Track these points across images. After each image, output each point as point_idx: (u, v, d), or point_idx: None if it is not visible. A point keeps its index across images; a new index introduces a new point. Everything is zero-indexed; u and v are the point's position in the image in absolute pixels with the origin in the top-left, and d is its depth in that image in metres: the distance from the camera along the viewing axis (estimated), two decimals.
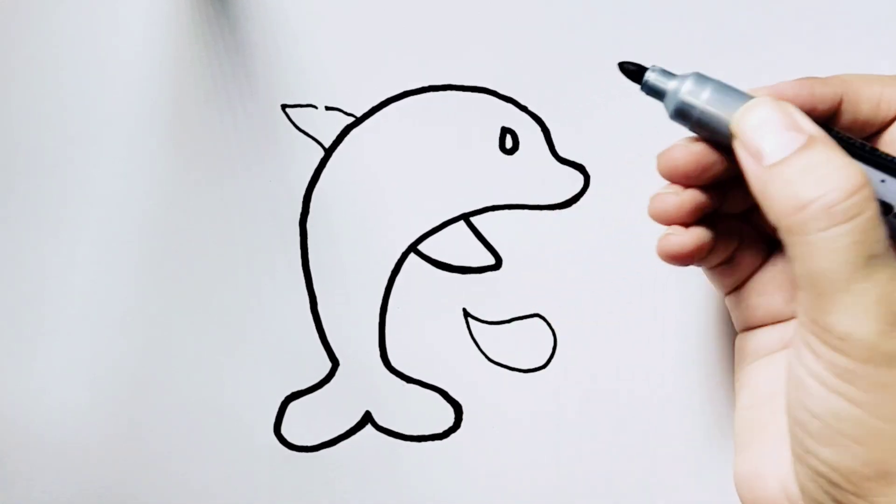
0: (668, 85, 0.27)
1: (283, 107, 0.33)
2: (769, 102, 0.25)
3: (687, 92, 0.26)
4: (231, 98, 0.33)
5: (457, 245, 0.34)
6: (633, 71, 0.27)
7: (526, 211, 0.34)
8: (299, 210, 0.34)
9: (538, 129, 0.34)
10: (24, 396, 0.34)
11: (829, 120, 0.27)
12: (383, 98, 0.33)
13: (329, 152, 0.34)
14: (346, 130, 0.34)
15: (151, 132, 0.33)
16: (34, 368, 0.34)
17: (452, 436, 0.35)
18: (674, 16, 0.33)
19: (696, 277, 0.34)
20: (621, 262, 0.34)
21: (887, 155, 0.25)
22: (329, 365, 0.34)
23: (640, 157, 0.34)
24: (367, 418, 0.34)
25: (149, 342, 0.34)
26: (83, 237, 0.34)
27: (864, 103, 0.26)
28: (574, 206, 0.34)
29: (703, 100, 0.26)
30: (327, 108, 0.33)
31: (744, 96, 0.26)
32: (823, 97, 0.26)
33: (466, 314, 0.34)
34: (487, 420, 0.35)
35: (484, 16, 0.33)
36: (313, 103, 0.33)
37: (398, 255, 0.34)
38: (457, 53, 0.33)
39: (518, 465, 0.35)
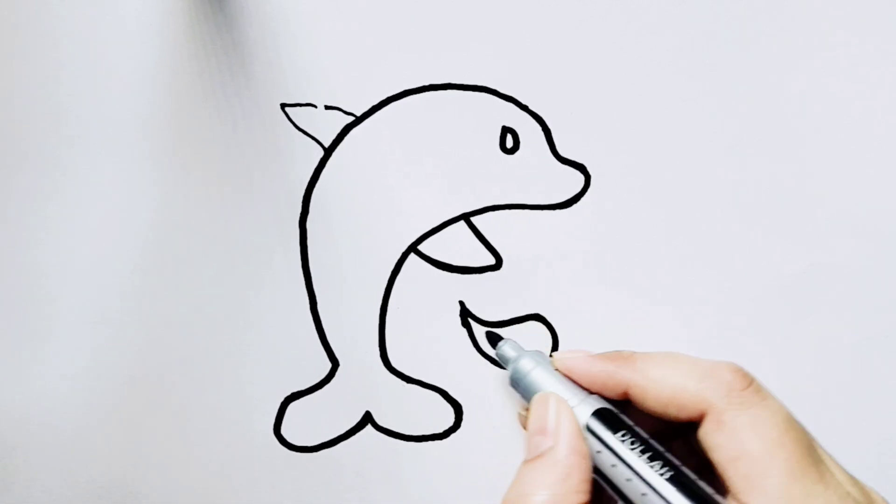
0: (510, 357, 0.31)
1: (283, 106, 0.33)
2: (544, 401, 0.27)
3: (513, 371, 0.30)
4: (230, 97, 0.33)
5: (457, 245, 0.34)
6: (491, 339, 0.33)
7: (526, 211, 0.34)
8: (299, 210, 0.33)
9: (539, 128, 0.34)
10: (25, 396, 0.34)
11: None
12: (383, 97, 0.33)
13: (329, 152, 0.33)
14: (346, 130, 0.33)
15: (150, 132, 0.33)
16: (35, 368, 0.34)
17: (452, 436, 0.34)
18: (675, 15, 0.33)
19: (696, 278, 0.34)
20: (622, 262, 0.34)
21: (668, 464, 0.25)
22: (329, 365, 0.34)
23: (642, 156, 0.34)
24: (367, 418, 0.34)
25: (149, 342, 0.34)
26: (83, 237, 0.34)
27: (651, 402, 0.26)
28: (575, 205, 0.34)
29: (522, 384, 0.29)
30: (327, 108, 0.33)
31: (567, 389, 0.28)
32: (608, 386, 0.27)
33: (466, 314, 0.34)
34: (487, 420, 0.34)
35: (484, 15, 0.33)
36: (313, 103, 0.33)
37: (398, 255, 0.34)
38: (457, 52, 0.33)
39: (517, 465, 0.35)
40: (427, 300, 0.34)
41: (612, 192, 0.34)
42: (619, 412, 0.27)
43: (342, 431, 0.34)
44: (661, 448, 0.26)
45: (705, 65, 0.33)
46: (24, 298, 0.34)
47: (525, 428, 0.29)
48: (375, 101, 0.33)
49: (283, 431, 0.34)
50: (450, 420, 0.34)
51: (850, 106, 0.33)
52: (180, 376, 0.34)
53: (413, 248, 0.34)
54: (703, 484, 0.25)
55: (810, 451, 0.24)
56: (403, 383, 0.34)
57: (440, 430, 0.34)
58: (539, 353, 0.30)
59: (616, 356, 0.28)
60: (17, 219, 0.34)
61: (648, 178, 0.34)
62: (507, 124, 0.34)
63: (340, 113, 0.33)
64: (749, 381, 0.25)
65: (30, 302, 0.34)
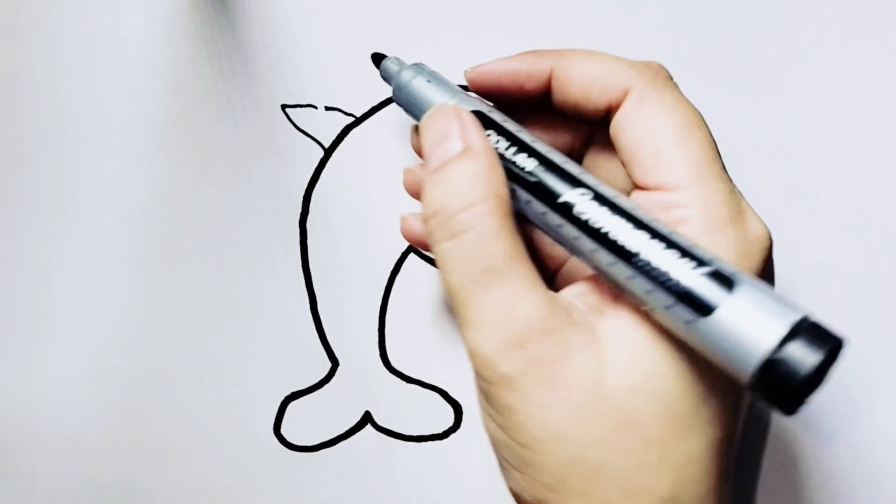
0: (392, 71, 0.28)
1: (283, 107, 0.33)
2: (441, 111, 0.24)
3: (402, 80, 0.27)
4: (231, 98, 0.33)
5: None
6: (375, 59, 0.30)
7: None
8: (299, 210, 0.34)
9: None
10: (26, 394, 0.34)
11: (545, 97, 0.26)
12: (383, 98, 0.33)
13: (329, 152, 0.34)
14: (346, 130, 0.34)
15: (151, 132, 0.33)
16: (36, 367, 0.34)
17: (452, 436, 0.34)
18: (674, 15, 0.33)
19: None
20: None
21: (553, 166, 0.23)
22: (329, 365, 0.34)
23: None
24: (367, 418, 0.34)
25: (149, 342, 0.34)
26: (83, 236, 0.34)
27: (574, 85, 0.25)
28: None
29: (411, 90, 0.27)
30: (327, 108, 0.33)
31: (445, 94, 0.26)
32: (531, 74, 0.25)
33: None
34: None
35: (483, 15, 0.33)
36: (313, 103, 0.33)
37: (398, 255, 0.34)
38: (457, 53, 0.33)
39: None
40: (427, 300, 0.34)
41: None
42: (492, 110, 0.25)
43: (342, 431, 0.34)
44: (529, 139, 0.24)
45: (705, 64, 0.33)
46: (24, 298, 0.34)
47: (419, 149, 0.26)
48: (375, 102, 0.34)
49: (283, 431, 0.34)
50: (450, 420, 0.34)
51: (851, 105, 0.33)
52: (180, 376, 0.34)
53: (413, 248, 0.34)
54: (572, 165, 0.23)
55: (715, 148, 0.24)
56: (403, 383, 0.34)
57: (440, 431, 0.34)
58: (422, 66, 0.28)
59: (537, 50, 0.26)
60: (17, 219, 0.34)
61: None
62: None
63: (341, 113, 0.33)
64: (670, 75, 0.25)
65: (30, 302, 0.34)
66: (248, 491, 0.35)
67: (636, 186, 0.24)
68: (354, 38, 0.33)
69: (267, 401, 0.34)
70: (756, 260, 0.22)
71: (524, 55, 0.26)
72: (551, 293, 0.22)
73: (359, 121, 0.34)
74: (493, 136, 0.24)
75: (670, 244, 0.21)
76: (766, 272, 0.23)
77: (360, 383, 0.34)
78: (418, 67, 0.28)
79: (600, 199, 0.22)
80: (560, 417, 0.20)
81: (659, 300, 0.20)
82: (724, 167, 0.24)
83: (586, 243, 0.22)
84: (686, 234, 0.22)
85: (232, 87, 0.33)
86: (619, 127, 0.24)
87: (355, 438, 0.34)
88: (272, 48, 0.33)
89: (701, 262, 0.20)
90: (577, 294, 0.23)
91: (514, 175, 0.23)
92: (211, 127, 0.33)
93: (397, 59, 0.29)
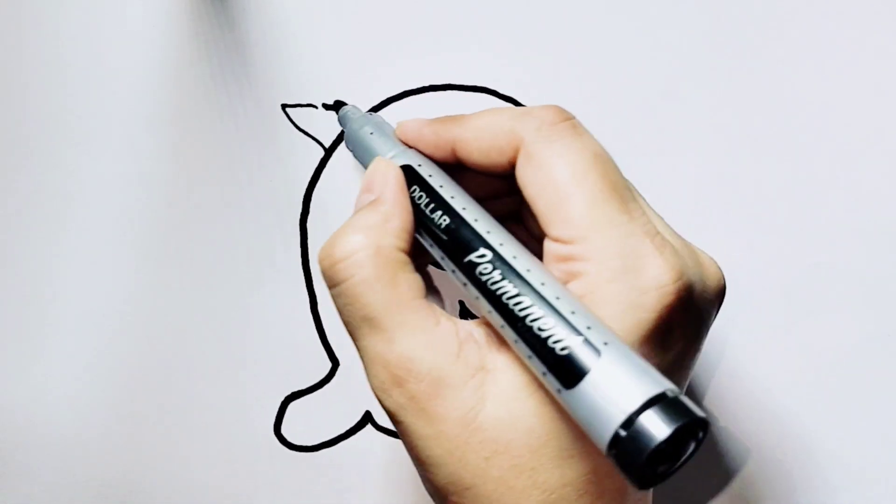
0: (344, 121, 0.31)
1: (284, 106, 0.33)
2: (374, 164, 0.26)
3: (350, 129, 0.29)
4: (231, 98, 0.33)
5: None
6: (335, 105, 0.33)
7: None
8: (299, 210, 0.34)
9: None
10: (26, 394, 0.34)
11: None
12: (383, 98, 0.33)
13: (329, 152, 0.34)
14: None
15: (151, 132, 0.33)
16: (36, 367, 0.34)
17: None
18: (675, 15, 0.33)
19: None
20: None
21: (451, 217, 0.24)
22: (329, 365, 0.34)
23: (642, 156, 0.34)
24: (367, 418, 0.34)
25: (150, 342, 0.34)
26: (84, 236, 0.34)
27: (475, 154, 0.25)
28: None
29: (358, 139, 0.29)
30: (327, 108, 0.33)
31: (385, 145, 0.28)
32: (438, 147, 0.26)
33: (467, 313, 0.34)
34: None
35: (484, 15, 0.33)
36: (313, 103, 0.33)
37: None
38: (457, 53, 0.33)
39: None
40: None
41: None
42: (423, 165, 0.26)
43: (342, 431, 0.34)
44: (448, 195, 0.25)
45: (705, 65, 0.33)
46: (25, 298, 0.34)
47: None
48: (376, 102, 0.34)
49: (284, 431, 0.34)
50: None
51: (851, 105, 0.33)
52: (181, 375, 0.34)
53: None
54: (485, 223, 0.24)
55: (616, 185, 0.23)
56: None
57: None
58: (371, 117, 0.30)
59: (446, 118, 0.26)
60: (18, 217, 0.34)
61: (649, 178, 0.34)
62: None
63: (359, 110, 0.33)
64: (565, 117, 0.24)
65: (30, 302, 0.34)
66: (248, 490, 0.35)
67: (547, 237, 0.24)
68: (355, 38, 0.33)
69: (267, 400, 0.34)
70: (651, 310, 0.22)
71: (431, 126, 0.27)
72: (442, 329, 0.23)
73: None
74: (417, 192, 0.25)
75: (550, 312, 0.21)
76: (672, 318, 0.22)
77: (361, 383, 0.34)
78: (366, 118, 0.29)
79: (497, 261, 0.23)
80: (435, 446, 0.22)
81: (536, 366, 0.21)
82: (624, 207, 0.23)
83: (484, 304, 0.23)
84: (578, 289, 0.22)
85: (233, 87, 0.33)
86: (520, 184, 0.24)
87: (355, 438, 0.34)
88: (273, 48, 0.33)
89: (573, 332, 0.21)
90: (480, 326, 0.24)
91: (430, 231, 0.25)
92: (211, 127, 0.33)
93: (354, 107, 0.31)
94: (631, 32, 0.33)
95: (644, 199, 0.25)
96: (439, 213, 0.24)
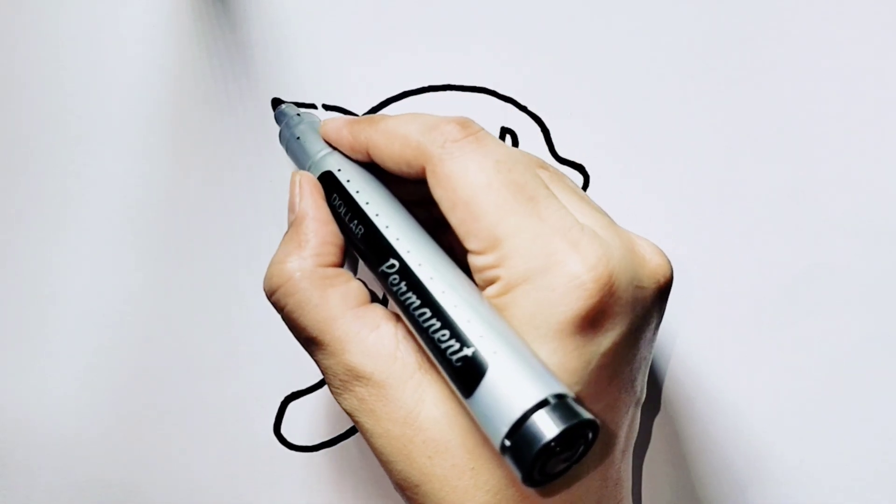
0: (278, 121, 0.31)
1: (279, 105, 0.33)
2: (292, 180, 0.27)
3: (281, 131, 0.30)
4: (231, 98, 0.33)
5: None
6: (273, 103, 0.33)
7: None
8: None
9: (538, 129, 0.34)
10: (25, 394, 0.34)
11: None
12: (383, 98, 0.34)
13: (277, 103, 0.33)
14: None
15: (151, 132, 0.33)
16: (35, 366, 0.34)
17: None
18: (674, 15, 0.33)
19: (696, 279, 0.34)
20: None
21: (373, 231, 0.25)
22: None
23: (641, 157, 0.34)
24: None
25: (149, 342, 0.34)
26: (84, 236, 0.34)
27: (388, 161, 0.26)
28: None
29: (285, 143, 0.30)
30: (327, 108, 0.33)
31: (310, 149, 0.28)
32: (354, 149, 0.27)
33: None
34: None
35: (483, 16, 0.33)
36: (313, 103, 0.33)
37: None
38: (456, 53, 0.33)
39: None
40: None
41: (610, 193, 0.34)
42: (343, 170, 0.27)
43: (342, 431, 0.34)
44: (363, 201, 0.25)
45: (705, 65, 0.33)
46: (25, 298, 0.34)
47: None
48: (375, 103, 0.34)
49: (283, 431, 0.34)
50: None
51: (851, 106, 0.33)
52: (181, 376, 0.34)
53: None
54: (397, 230, 0.24)
55: (524, 188, 0.23)
56: None
57: None
58: (309, 116, 0.30)
59: (364, 118, 0.27)
60: (18, 217, 0.34)
61: (648, 179, 0.34)
62: (506, 125, 0.34)
63: (340, 114, 0.34)
64: (469, 132, 0.24)
65: (30, 302, 0.34)
66: (248, 491, 0.35)
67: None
68: (354, 39, 0.33)
69: (266, 401, 0.34)
70: (565, 305, 0.22)
71: (348, 127, 0.27)
72: (381, 333, 0.24)
73: None
74: (336, 200, 0.26)
75: (446, 322, 0.22)
76: (595, 309, 0.22)
77: None
78: (297, 119, 0.30)
79: (404, 271, 0.24)
80: (385, 445, 0.24)
81: (444, 374, 0.22)
82: (532, 209, 0.23)
83: (399, 312, 0.24)
84: (494, 294, 0.23)
85: (233, 86, 0.33)
86: (432, 192, 0.24)
87: (356, 438, 0.34)
88: (272, 48, 0.33)
89: (465, 342, 0.22)
90: None
91: (351, 240, 0.26)
92: (211, 127, 0.33)
93: (289, 105, 0.32)
94: (631, 33, 0.33)
95: (572, 191, 0.25)
96: (356, 221, 0.25)
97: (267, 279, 0.26)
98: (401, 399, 0.23)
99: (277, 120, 0.31)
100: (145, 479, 0.34)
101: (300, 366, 0.34)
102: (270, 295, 0.26)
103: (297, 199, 0.27)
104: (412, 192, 0.27)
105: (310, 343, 0.25)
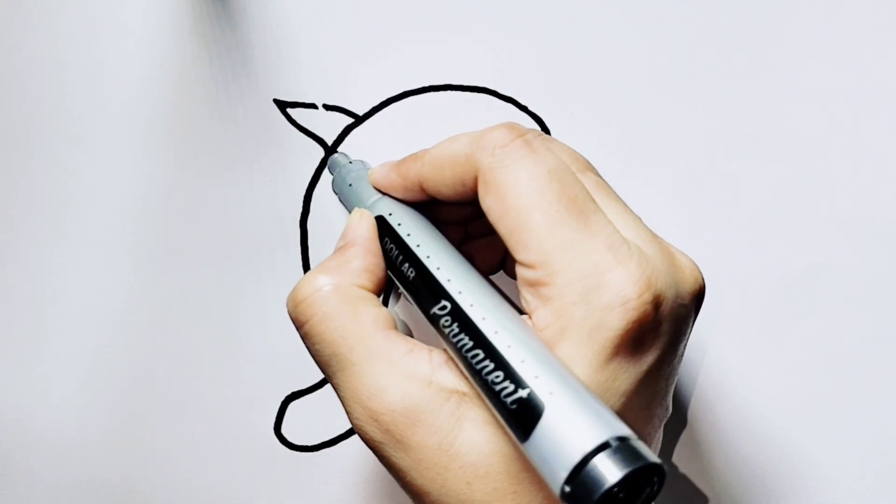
0: (331, 170, 0.32)
1: (283, 106, 0.33)
2: (351, 215, 0.27)
3: (334, 180, 0.31)
4: (232, 98, 0.33)
5: None
6: (326, 152, 0.33)
7: None
8: (300, 210, 0.34)
9: (538, 129, 0.34)
10: (26, 395, 0.34)
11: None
12: (383, 98, 0.33)
13: (330, 152, 0.34)
14: (347, 130, 0.34)
15: (151, 132, 0.33)
16: (35, 367, 0.34)
17: None
18: (674, 15, 0.33)
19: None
20: None
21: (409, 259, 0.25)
22: None
23: (642, 156, 0.34)
24: None
25: (149, 342, 0.34)
26: (84, 236, 0.34)
27: (443, 188, 0.25)
28: None
29: (338, 188, 0.31)
30: (327, 108, 0.33)
31: (362, 195, 0.29)
32: (408, 190, 0.27)
33: None
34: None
35: (483, 15, 0.33)
36: (314, 103, 0.33)
37: None
38: (457, 53, 0.33)
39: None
40: None
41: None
42: (394, 213, 0.27)
43: (343, 430, 0.34)
44: (414, 244, 0.25)
45: (705, 65, 0.33)
46: (25, 298, 0.34)
47: None
48: (376, 103, 0.34)
49: (284, 431, 0.34)
50: None
51: (850, 105, 0.33)
52: (181, 376, 0.34)
53: None
54: (448, 272, 0.24)
55: (575, 199, 0.23)
56: None
57: None
58: (358, 165, 0.31)
59: (409, 157, 0.27)
60: (18, 217, 0.34)
61: (648, 179, 0.34)
62: None
63: (341, 113, 0.33)
64: (517, 134, 0.24)
65: (30, 302, 0.34)
66: (248, 491, 0.35)
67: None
68: (355, 38, 0.33)
69: (266, 401, 0.34)
70: (616, 328, 0.21)
71: (395, 171, 0.27)
72: (414, 356, 0.23)
73: (359, 121, 0.34)
74: (388, 244, 0.26)
75: (500, 363, 0.21)
76: (641, 330, 0.22)
77: None
78: (349, 168, 0.30)
79: (456, 312, 0.23)
80: (417, 476, 0.23)
81: (498, 417, 0.21)
82: (583, 222, 0.22)
83: (451, 354, 0.23)
84: (546, 316, 0.22)
85: (233, 86, 0.33)
86: (483, 210, 0.24)
87: (357, 438, 0.34)
88: (272, 48, 0.33)
89: (520, 384, 0.21)
90: None
91: (403, 283, 0.26)
92: (212, 127, 0.33)
93: (342, 155, 0.32)
94: (631, 32, 0.33)
95: (615, 200, 0.25)
96: (407, 264, 0.25)
97: (295, 290, 0.25)
98: (435, 424, 0.22)
99: (330, 169, 0.32)
100: (146, 479, 0.34)
101: (301, 365, 0.34)
102: (295, 306, 0.25)
103: (352, 230, 0.27)
104: (465, 211, 0.26)
105: (333, 360, 0.24)
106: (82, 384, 0.34)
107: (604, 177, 0.34)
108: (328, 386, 0.34)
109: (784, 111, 0.33)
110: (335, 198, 0.34)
